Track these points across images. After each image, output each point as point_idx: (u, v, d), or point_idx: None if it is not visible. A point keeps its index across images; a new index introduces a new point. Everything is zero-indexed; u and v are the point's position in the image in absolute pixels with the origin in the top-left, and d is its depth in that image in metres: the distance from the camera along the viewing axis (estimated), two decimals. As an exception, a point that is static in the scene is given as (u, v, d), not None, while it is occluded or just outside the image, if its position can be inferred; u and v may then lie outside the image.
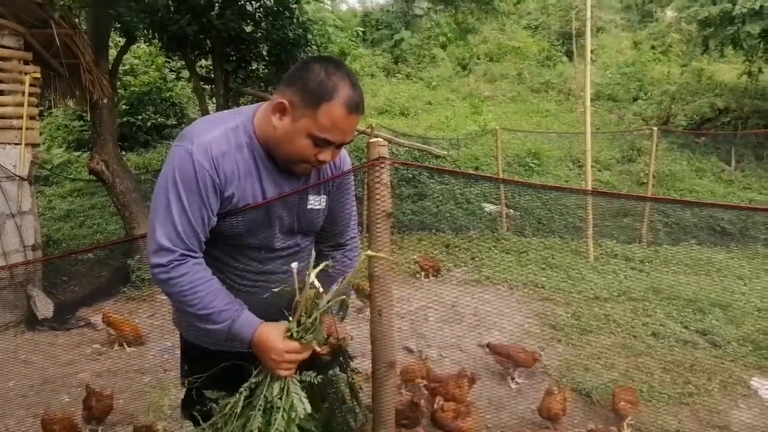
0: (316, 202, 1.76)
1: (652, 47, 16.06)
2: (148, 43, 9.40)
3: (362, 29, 17.44)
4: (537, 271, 6.57)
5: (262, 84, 9.25)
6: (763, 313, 5.05)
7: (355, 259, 1.97)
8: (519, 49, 16.75)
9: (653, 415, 3.45)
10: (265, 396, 1.53)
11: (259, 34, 8.18)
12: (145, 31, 8.20)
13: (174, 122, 12.41)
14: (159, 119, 12.15)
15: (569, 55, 16.19)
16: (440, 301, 5.53)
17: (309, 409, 1.53)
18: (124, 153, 10.49)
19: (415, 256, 6.83)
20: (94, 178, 6.80)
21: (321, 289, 1.53)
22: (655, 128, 8.35)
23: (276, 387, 1.53)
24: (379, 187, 2.16)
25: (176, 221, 1.49)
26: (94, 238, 8.13)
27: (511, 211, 8.77)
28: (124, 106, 11.68)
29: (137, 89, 11.98)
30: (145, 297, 5.88)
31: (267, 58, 8.88)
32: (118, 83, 11.01)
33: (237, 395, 1.56)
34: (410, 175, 9.16)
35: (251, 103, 9.39)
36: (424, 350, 4.44)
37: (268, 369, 1.53)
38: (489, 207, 8.92)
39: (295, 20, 8.23)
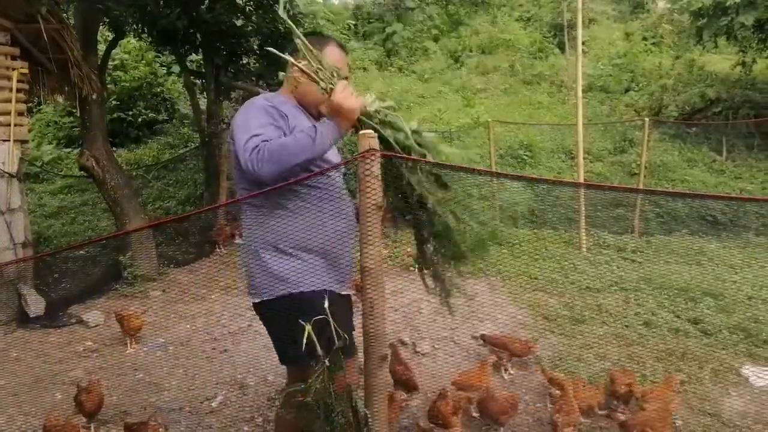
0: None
1: (644, 38, 16.06)
2: (137, 38, 9.32)
3: (354, 22, 17.35)
4: (530, 263, 6.59)
5: (253, 78, 9.20)
6: (754, 302, 5.08)
7: None
8: (511, 41, 16.71)
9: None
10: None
11: (250, 27, 8.12)
12: (135, 26, 8.13)
13: (165, 117, 12.32)
14: (150, 115, 12.06)
15: (561, 46, 16.17)
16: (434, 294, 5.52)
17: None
18: (114, 149, 10.41)
19: (409, 249, 6.83)
20: (85, 174, 6.74)
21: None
22: (646, 119, 8.37)
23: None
24: (370, 179, 2.15)
25: (253, 128, 1.98)
26: (85, 235, 8.09)
27: (504, 203, 8.78)
28: (114, 102, 11.59)
29: (127, 84, 11.88)
30: (137, 294, 5.86)
31: (258, 51, 8.83)
32: (108, 78, 10.93)
33: None
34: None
35: (242, 98, 9.35)
36: (418, 342, 4.45)
37: (351, 114, 2.03)
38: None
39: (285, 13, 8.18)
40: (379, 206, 2.14)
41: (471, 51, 16.93)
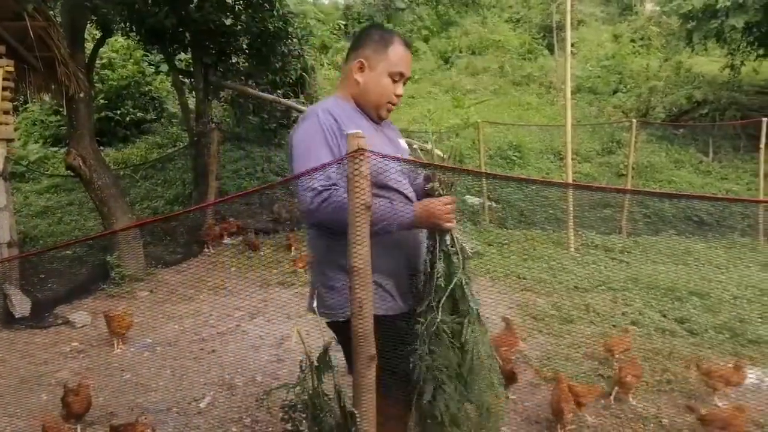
0: (404, 143, 2.26)
1: (632, 40, 16.20)
2: (125, 37, 9.26)
3: (344, 22, 17.33)
4: (519, 263, 6.61)
5: (242, 77, 9.17)
6: (739, 301, 5.14)
7: None
8: (500, 42, 16.79)
9: (632, 403, 3.50)
10: (442, 249, 1.91)
11: (239, 27, 8.09)
12: (122, 24, 8.08)
13: (153, 117, 12.23)
14: (138, 114, 11.97)
15: (550, 48, 16.27)
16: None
17: (473, 248, 2.03)
18: (102, 148, 10.32)
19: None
20: (72, 173, 6.68)
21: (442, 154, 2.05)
22: (634, 120, 8.44)
23: (447, 239, 1.91)
24: (359, 179, 2.15)
25: (314, 159, 1.92)
26: (72, 235, 8.01)
27: (494, 203, 8.82)
28: (101, 101, 11.49)
29: (115, 83, 11.78)
30: (124, 294, 5.81)
31: (247, 51, 8.80)
32: (96, 77, 10.82)
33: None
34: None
35: (231, 97, 9.26)
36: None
37: (437, 227, 1.91)
38: (471, 199, 8.95)
39: (275, 13, 8.15)
40: (368, 206, 2.14)
41: (461, 52, 16.98)
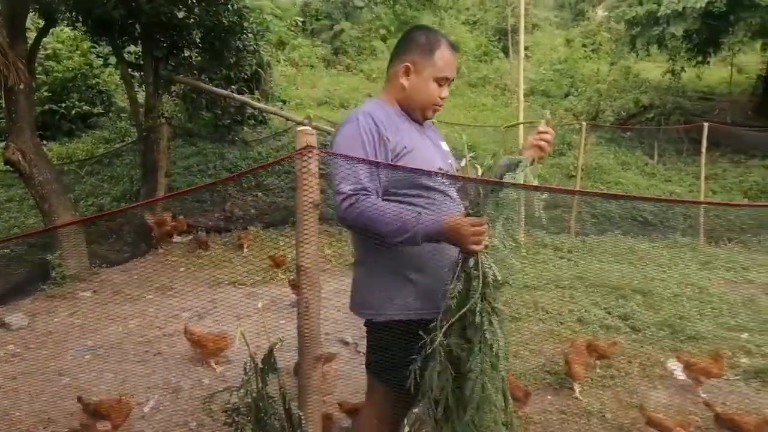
0: (446, 146, 2.24)
1: (584, 45, 16.67)
2: (71, 27, 8.87)
3: (302, 19, 17.16)
4: (472, 262, 6.69)
5: (195, 72, 8.94)
6: (679, 299, 5.35)
7: None
8: (457, 43, 16.96)
9: (578, 398, 3.59)
10: (464, 270, 1.82)
11: (192, 20, 7.86)
12: (68, 14, 7.73)
13: (101, 111, 11.78)
14: (84, 107, 11.49)
15: (506, 51, 16.57)
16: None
17: (499, 276, 1.82)
18: (45, 142, 9.88)
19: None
20: (11, 168, 6.36)
21: (478, 169, 1.89)
22: (584, 123, 8.67)
23: (471, 261, 1.82)
24: (307, 176, 2.11)
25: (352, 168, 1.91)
26: (10, 233, 7.63)
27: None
28: (45, 93, 10.98)
29: (60, 75, 11.28)
30: (66, 295, 5.57)
31: (200, 45, 8.58)
32: (39, 68, 10.35)
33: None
34: (349, 168, 9.11)
35: (183, 92, 8.99)
36: (360, 342, 4.43)
37: (463, 246, 1.81)
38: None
39: (230, 7, 7.96)
40: (316, 204, 2.12)
41: (418, 52, 17.08)
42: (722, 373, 3.71)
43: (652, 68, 14.38)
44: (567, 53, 16.13)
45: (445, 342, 1.81)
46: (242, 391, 2.03)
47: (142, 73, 8.70)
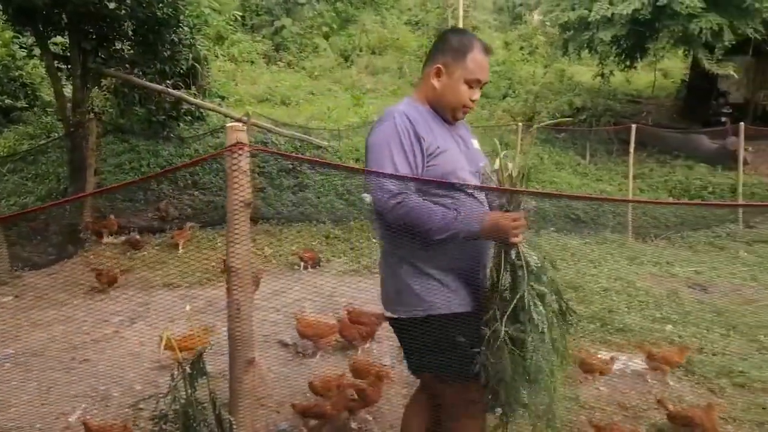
0: (476, 143, 2.27)
1: (521, 48, 17.14)
2: (-9, 15, 8.32)
3: (241, 14, 16.78)
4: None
5: (127, 65, 8.57)
6: (608, 293, 5.58)
7: None
8: (399, 41, 17.09)
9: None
10: (508, 262, 1.95)
11: (124, 11, 7.53)
12: (-14, 1, 7.24)
13: (24, 105, 11.11)
14: (6, 101, 10.81)
15: (447, 51, 16.79)
16: (318, 292, 5.48)
17: (539, 262, 1.97)
18: (-39, 138, 9.24)
19: (294, 248, 6.74)
20: None
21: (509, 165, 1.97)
22: (520, 124, 8.92)
23: (513, 252, 1.95)
24: (237, 174, 2.07)
25: (389, 165, 1.97)
26: None
27: (391, 201, 8.93)
28: (-38, 85, 10.28)
29: (-21, 66, 10.58)
30: (-17, 300, 5.23)
31: (132, 37, 8.23)
32: (-47, 58, 9.67)
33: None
34: (290, 165, 8.99)
35: (114, 86, 8.58)
36: (300, 343, 4.37)
37: (504, 240, 1.92)
38: (369, 198, 9.00)
39: (164, -1, 7.68)
40: (248, 203, 2.07)
41: (361, 50, 17.07)
42: (682, 361, 3.89)
43: (585, 71, 14.97)
44: (505, 55, 16.53)
45: (504, 330, 1.92)
46: (169, 397, 1.95)
47: (69, 66, 8.26)
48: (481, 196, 2.14)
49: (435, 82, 2.11)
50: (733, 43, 10.18)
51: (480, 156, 2.24)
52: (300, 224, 7.95)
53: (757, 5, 9.57)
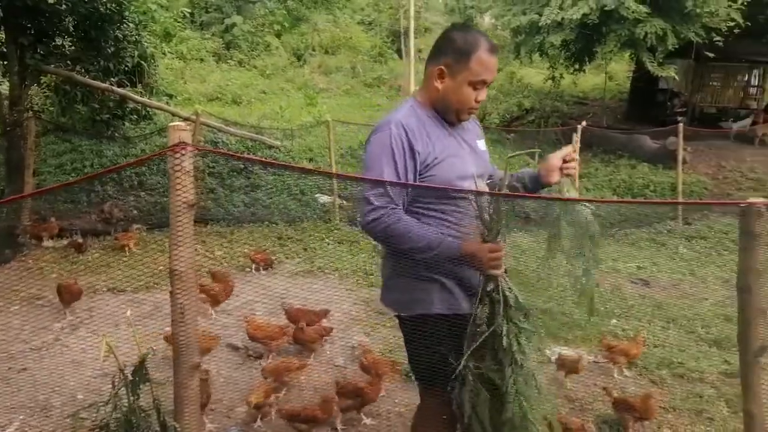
0: (482, 144, 2.23)
1: (473, 50, 17.41)
2: None
3: (189, 11, 16.41)
4: (367, 259, 6.75)
5: (68, 62, 8.23)
6: (557, 289, 5.72)
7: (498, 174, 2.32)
8: (352, 41, 17.08)
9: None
10: (486, 293, 1.92)
11: (64, 6, 7.22)
12: None
13: (-44, 102, 10.51)
14: (-65, 98, 10.21)
15: (400, 53, 16.90)
16: (269, 294, 5.41)
17: (520, 297, 1.92)
18: None
19: (246, 250, 6.62)
20: None
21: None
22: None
23: (491, 284, 1.92)
24: (180, 175, 2.01)
25: (377, 173, 1.95)
26: None
27: (344, 201, 8.92)
28: None
29: None
30: None
31: (74, 33, 7.91)
32: None
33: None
34: (242, 165, 8.85)
35: (55, 83, 8.23)
36: (250, 346, 4.31)
37: (482, 269, 1.90)
38: (322, 198, 8.96)
39: (108, -7, 7.42)
40: (191, 204, 2.03)
41: (314, 50, 16.98)
42: (639, 353, 4.03)
43: (534, 74, 15.35)
44: (457, 57, 16.76)
45: (472, 366, 1.90)
46: (110, 405, 1.89)
47: (5, 62, 7.87)
48: (483, 201, 2.03)
49: (437, 84, 2.02)
50: (675, 47, 10.64)
51: (485, 157, 2.22)
52: (252, 225, 7.84)
53: (698, 10, 10.02)
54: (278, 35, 17.32)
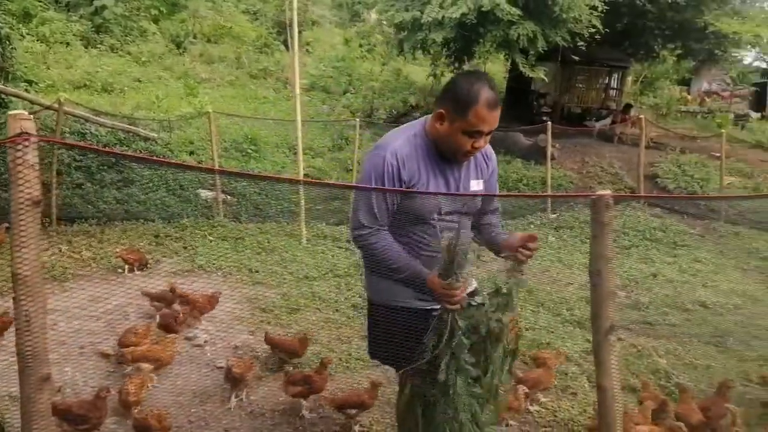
0: (476, 184, 2.33)
1: (360, 45, 17.52)
2: None
3: (54, -11, 14.90)
4: (252, 256, 6.58)
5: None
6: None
7: (495, 230, 2.46)
8: (236, 30, 16.51)
9: (350, 379, 3.76)
10: (438, 323, 2.09)
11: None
12: None
13: None
14: None
15: (286, 44, 16.59)
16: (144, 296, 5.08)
17: (465, 342, 2.06)
18: None
19: (117, 249, 6.17)
20: None
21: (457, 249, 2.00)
22: (357, 120, 9.13)
23: (445, 316, 2.07)
24: (23, 169, 1.82)
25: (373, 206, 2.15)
26: None
27: (228, 197, 8.61)
28: None
29: None
30: None
31: None
32: None
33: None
34: (113, 159, 8.20)
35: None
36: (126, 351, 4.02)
37: (442, 302, 2.06)
38: (205, 193, 8.59)
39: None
40: (36, 201, 1.84)
41: (195, 38, 16.16)
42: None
43: (419, 71, 15.76)
44: (345, 52, 16.77)
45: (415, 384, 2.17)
46: None
47: None
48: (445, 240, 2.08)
49: (437, 125, 2.14)
50: (546, 50, 11.41)
51: (476, 200, 2.34)
52: (125, 224, 7.31)
53: (564, 15, 10.81)
54: (155, 21, 16.24)
